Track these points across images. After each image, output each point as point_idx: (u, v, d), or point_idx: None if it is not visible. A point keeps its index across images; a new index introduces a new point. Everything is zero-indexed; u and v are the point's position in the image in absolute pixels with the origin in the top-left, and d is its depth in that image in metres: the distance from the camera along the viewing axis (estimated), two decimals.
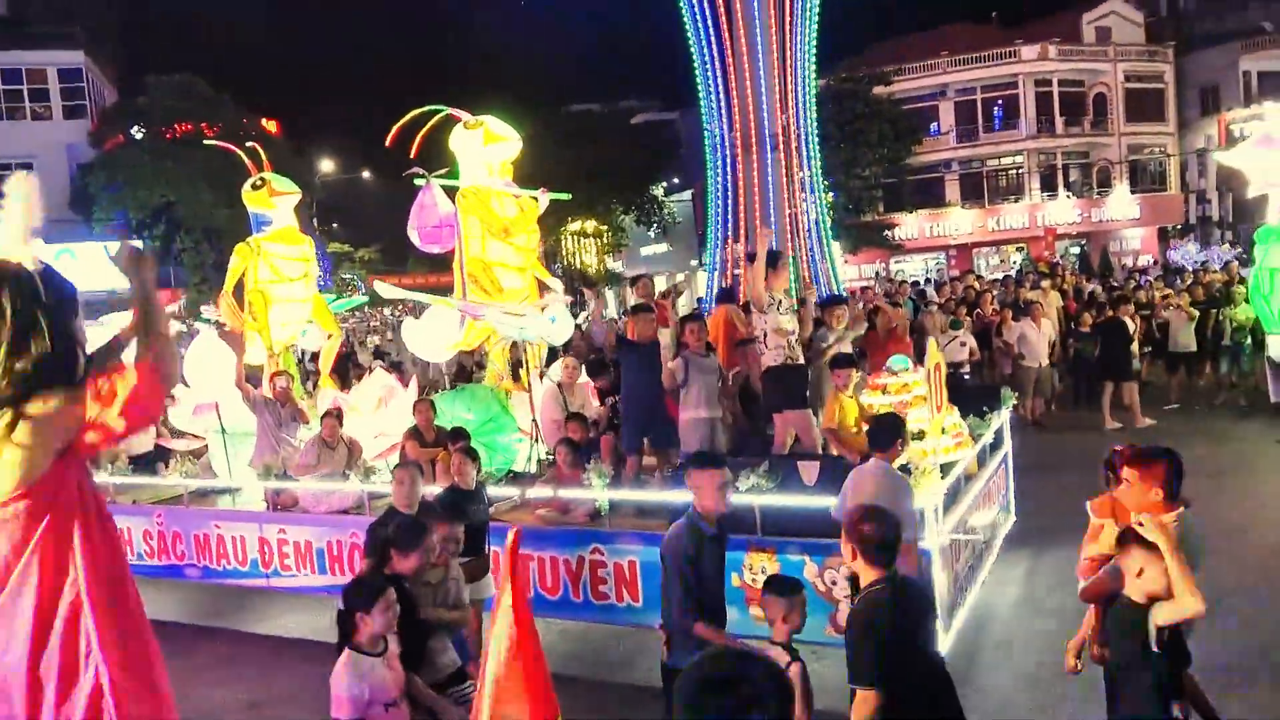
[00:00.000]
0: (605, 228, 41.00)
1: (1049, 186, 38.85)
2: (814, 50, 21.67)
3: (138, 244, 2.68)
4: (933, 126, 39.25)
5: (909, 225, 38.57)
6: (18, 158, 30.04)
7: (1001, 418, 8.22)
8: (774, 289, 7.24)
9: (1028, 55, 37.96)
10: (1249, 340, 13.21)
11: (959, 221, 39.06)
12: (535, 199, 8.77)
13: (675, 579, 4.20)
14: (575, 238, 42.90)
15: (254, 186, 9.39)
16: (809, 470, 6.04)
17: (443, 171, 9.15)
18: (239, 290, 9.58)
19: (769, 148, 21.93)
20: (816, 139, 22.58)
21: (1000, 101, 38.99)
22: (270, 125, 34.73)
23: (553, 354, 10.03)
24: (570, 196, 9.84)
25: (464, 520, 5.80)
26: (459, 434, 7.42)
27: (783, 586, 4.12)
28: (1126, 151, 39.26)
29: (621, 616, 6.56)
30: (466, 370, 11.25)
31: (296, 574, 8.00)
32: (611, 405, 8.10)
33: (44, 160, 31.87)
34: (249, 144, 9.91)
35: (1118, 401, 12.61)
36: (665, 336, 7.31)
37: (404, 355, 17.47)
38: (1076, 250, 38.66)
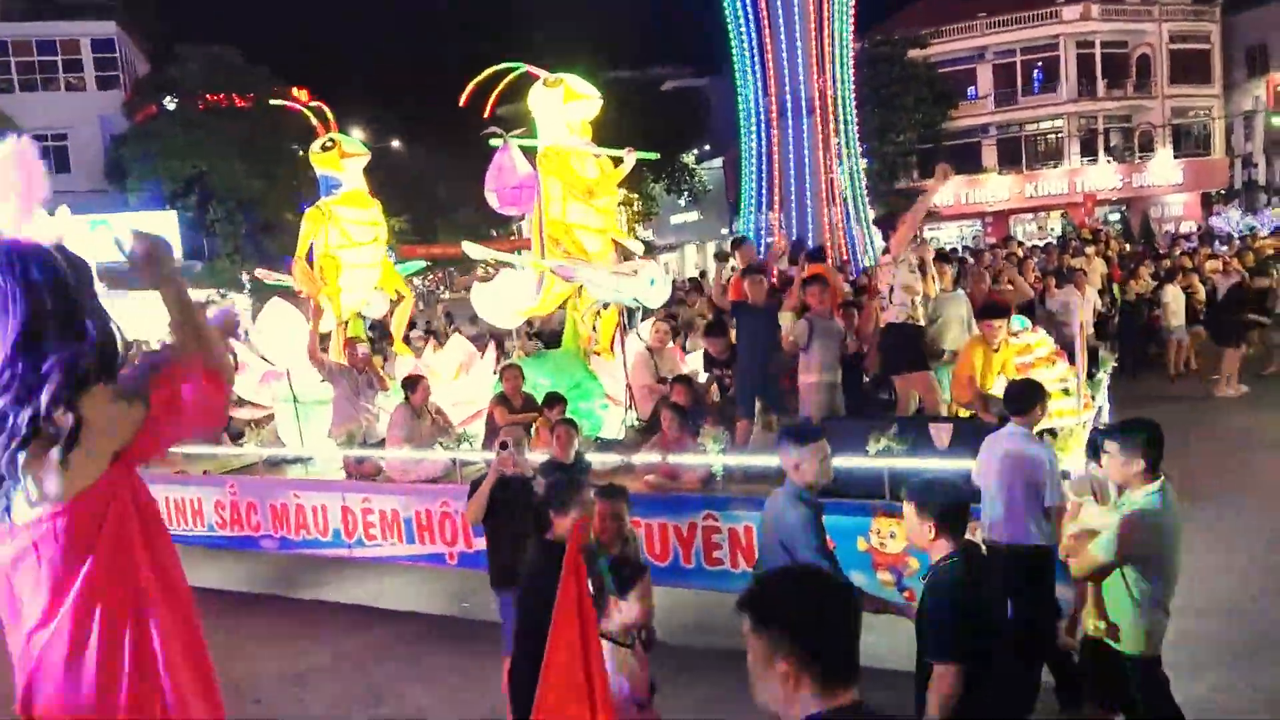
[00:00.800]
0: (636, 196, 40.58)
1: (1089, 151, 38.05)
2: (850, 10, 21.14)
3: (152, 234, 2.28)
4: (970, 91, 38.49)
5: (944, 192, 37.72)
6: (53, 129, 30.02)
7: (1103, 381, 7.97)
8: (899, 246, 7.00)
9: (1069, 15, 37.01)
10: None
11: (996, 188, 38.40)
12: (619, 160, 8.51)
13: (789, 554, 3.89)
14: None
15: (323, 148, 9.12)
16: (941, 433, 5.83)
17: (519, 131, 8.88)
18: (309, 258, 9.35)
19: (805, 112, 21.50)
20: (852, 103, 22.08)
21: (1040, 64, 38.12)
22: (301, 94, 34.47)
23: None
24: (659, 156, 9.57)
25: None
26: (555, 400, 7.22)
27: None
28: (1170, 114, 38.32)
29: (737, 583, 6.32)
30: (544, 335, 11.02)
31: (382, 543, 7.82)
32: (716, 377, 7.83)
33: (79, 132, 31.86)
34: (315, 103, 9.62)
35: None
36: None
37: (436, 324, 17.30)
38: (1116, 216, 37.91)
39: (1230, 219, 32.25)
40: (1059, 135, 38.34)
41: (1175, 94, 38.21)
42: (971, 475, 5.11)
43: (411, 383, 7.99)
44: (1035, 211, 39.25)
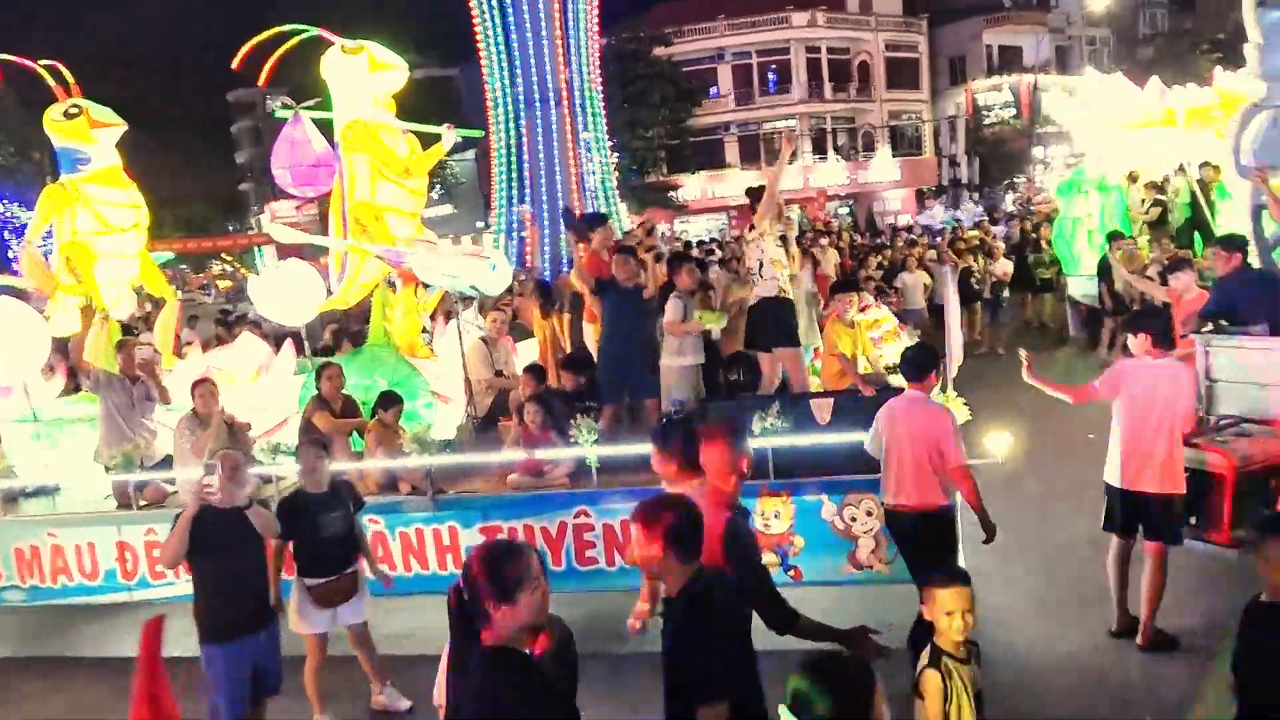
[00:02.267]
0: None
1: (820, 149, 40.81)
2: (591, 2, 21.07)
3: None
4: (712, 90, 40.05)
5: (692, 186, 39.26)
6: None
7: None
8: (761, 219, 6.78)
9: (798, 22, 39.52)
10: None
11: (738, 182, 40.15)
12: (436, 137, 7.75)
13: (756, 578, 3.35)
14: None
15: (67, 115, 7.58)
16: (823, 408, 5.78)
17: (311, 103, 7.87)
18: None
19: (553, 103, 21.19)
20: (599, 96, 22.05)
21: (774, 66, 40.38)
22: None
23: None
24: (483, 134, 8.81)
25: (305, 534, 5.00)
26: (391, 400, 6.44)
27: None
28: (887, 117, 41.95)
29: (612, 581, 5.98)
30: (349, 331, 9.87)
31: (175, 581, 6.60)
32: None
33: None
34: (47, 62, 7.99)
35: None
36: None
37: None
38: (845, 210, 40.95)
39: (934, 214, 35.69)
40: (793, 133, 40.71)
41: (892, 98, 41.91)
42: (866, 445, 5.01)
43: (198, 384, 6.85)
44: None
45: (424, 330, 9.02)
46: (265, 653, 4.72)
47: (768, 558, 5.57)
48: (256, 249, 44.52)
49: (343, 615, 5.21)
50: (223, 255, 42.88)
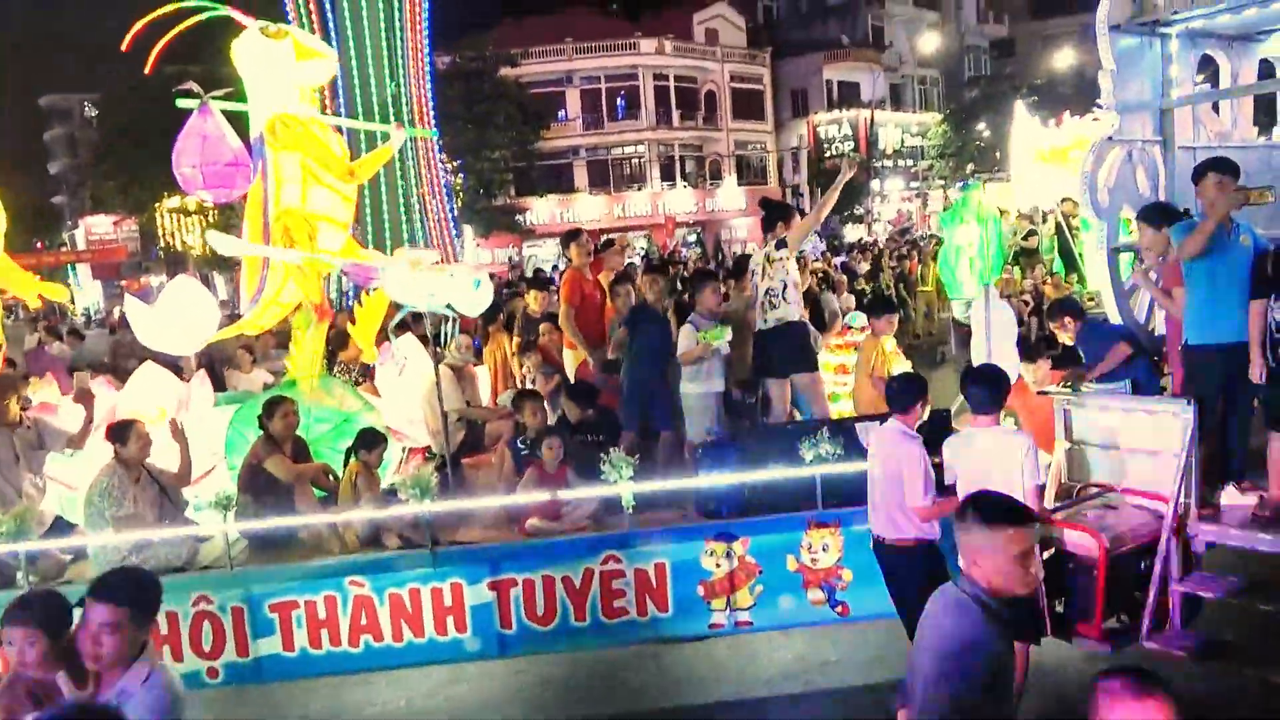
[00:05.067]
0: (212, 207, 36.04)
1: (668, 176, 40.86)
2: (428, 11, 19.96)
3: None
4: (560, 113, 39.48)
5: (540, 210, 38.50)
6: None
7: None
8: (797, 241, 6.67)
9: (646, 49, 39.54)
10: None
11: (588, 207, 39.75)
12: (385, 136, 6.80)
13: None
14: (175, 216, 37.17)
15: None
16: (870, 432, 5.26)
17: (220, 93, 6.55)
18: None
19: (377, 119, 19.71)
20: (430, 111, 20.78)
21: (623, 92, 40.20)
22: None
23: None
24: (437, 134, 7.79)
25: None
26: (373, 440, 5.79)
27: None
28: (734, 146, 42.47)
29: (641, 632, 5.47)
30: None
31: None
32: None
33: None
34: None
35: None
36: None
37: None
38: (694, 238, 41.10)
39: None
40: (642, 160, 40.68)
41: (738, 128, 42.50)
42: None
43: (120, 431, 5.59)
44: (624, 231, 41.20)
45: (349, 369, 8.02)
46: None
47: (813, 595, 5.54)
48: (70, 267, 40.62)
49: None
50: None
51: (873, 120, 41.97)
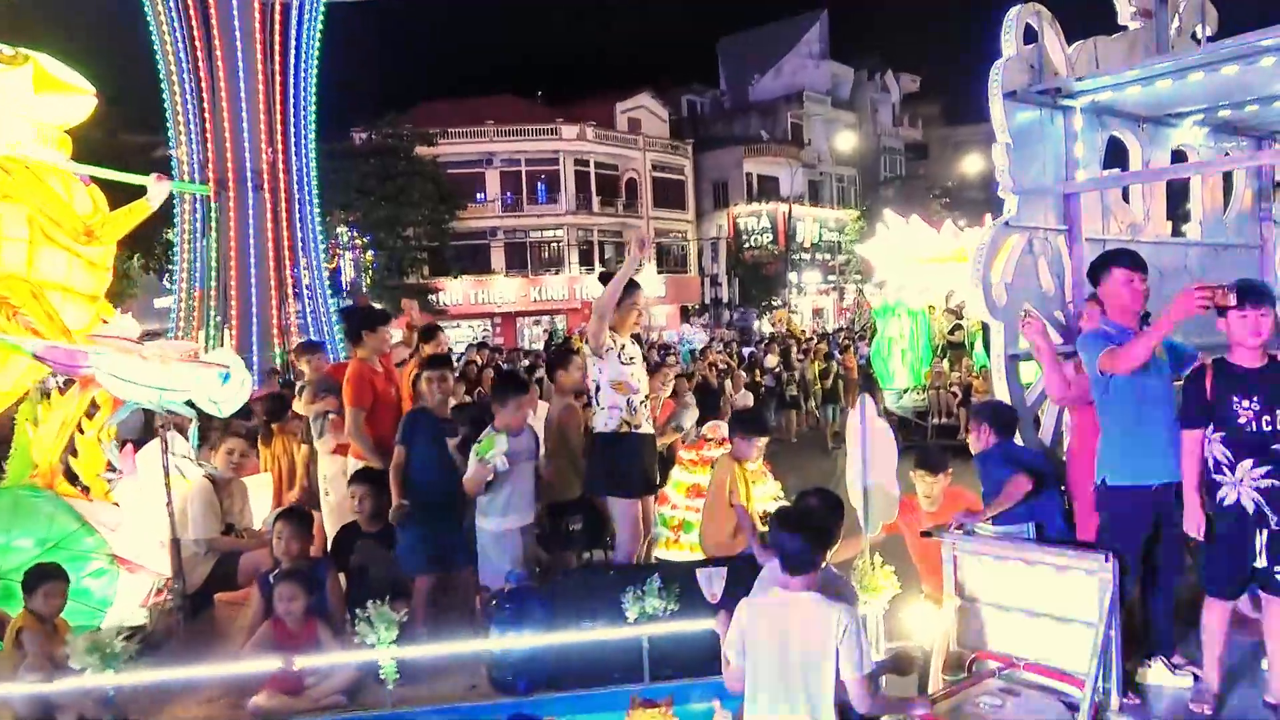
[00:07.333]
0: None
1: (587, 261, 40.19)
2: (313, 79, 18.95)
3: None
4: (480, 194, 38.77)
5: (454, 290, 37.39)
6: None
7: None
8: (621, 329, 5.22)
9: (568, 134, 39.31)
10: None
11: (504, 289, 38.85)
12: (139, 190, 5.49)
13: None
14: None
15: None
16: (714, 579, 4.34)
17: None
18: None
19: (250, 186, 18.34)
20: (311, 183, 19.44)
21: (543, 176, 39.75)
22: None
23: None
24: (209, 191, 6.45)
25: None
26: (44, 575, 4.35)
27: None
28: (654, 234, 42.00)
29: None
30: None
31: None
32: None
33: None
34: None
35: None
36: None
37: None
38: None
39: (688, 335, 35.63)
40: (560, 244, 40.02)
41: (658, 215, 42.24)
42: None
43: None
44: (540, 315, 40.24)
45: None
46: None
47: None
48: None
49: None
50: None
51: (790, 213, 42.14)
